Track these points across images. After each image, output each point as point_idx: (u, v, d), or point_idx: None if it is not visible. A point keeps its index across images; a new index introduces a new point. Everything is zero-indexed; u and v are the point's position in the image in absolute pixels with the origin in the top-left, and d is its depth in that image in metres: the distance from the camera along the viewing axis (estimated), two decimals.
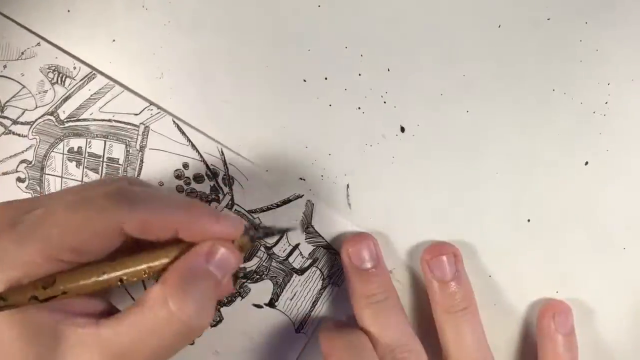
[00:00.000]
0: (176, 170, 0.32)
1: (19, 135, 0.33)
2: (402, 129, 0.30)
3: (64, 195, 0.27)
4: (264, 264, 0.33)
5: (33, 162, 0.33)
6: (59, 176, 0.33)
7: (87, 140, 0.33)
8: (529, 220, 0.30)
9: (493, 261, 0.31)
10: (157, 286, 0.25)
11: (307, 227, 0.32)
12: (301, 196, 0.32)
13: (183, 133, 0.31)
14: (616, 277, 0.30)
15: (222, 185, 0.32)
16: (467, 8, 0.28)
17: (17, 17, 0.31)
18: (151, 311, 0.24)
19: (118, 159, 0.33)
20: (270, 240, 0.33)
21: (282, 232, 0.31)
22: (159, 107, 0.31)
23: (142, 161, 0.33)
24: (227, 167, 0.32)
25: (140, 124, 0.32)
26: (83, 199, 0.25)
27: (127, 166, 0.33)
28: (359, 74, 0.30)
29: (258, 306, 0.34)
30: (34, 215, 0.24)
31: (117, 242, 0.25)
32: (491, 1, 0.28)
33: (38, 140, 0.33)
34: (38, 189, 0.33)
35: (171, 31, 0.31)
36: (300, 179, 0.32)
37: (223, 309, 0.34)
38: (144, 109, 0.32)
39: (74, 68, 0.32)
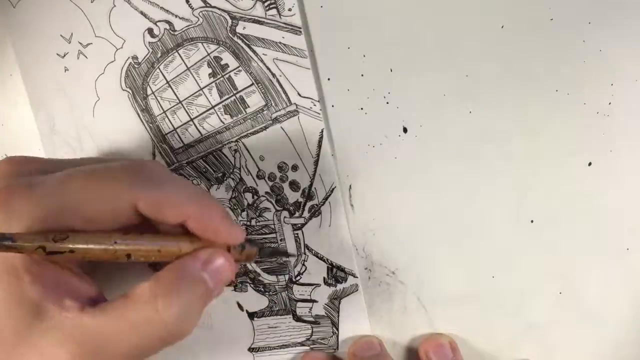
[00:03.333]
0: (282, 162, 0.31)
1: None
2: (405, 130, 0.30)
3: (86, 162, 0.27)
4: (277, 286, 0.33)
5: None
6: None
7: (238, 67, 0.31)
8: (532, 221, 0.30)
9: (496, 262, 0.31)
10: (149, 282, 0.24)
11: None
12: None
13: (319, 146, 0.31)
14: (619, 277, 0.30)
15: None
16: (470, 9, 0.28)
17: None
18: (136, 306, 0.23)
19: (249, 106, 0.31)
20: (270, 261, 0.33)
21: (283, 255, 0.32)
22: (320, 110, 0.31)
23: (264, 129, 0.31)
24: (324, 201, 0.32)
25: (294, 103, 0.30)
26: (103, 169, 0.25)
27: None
28: (362, 75, 0.30)
29: (239, 307, 0.34)
30: (53, 179, 0.24)
31: (129, 219, 0.25)
32: (494, 2, 0.28)
33: (199, 22, 0.31)
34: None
35: None
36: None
37: None
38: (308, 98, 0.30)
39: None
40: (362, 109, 0.30)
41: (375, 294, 0.32)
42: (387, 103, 0.30)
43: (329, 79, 0.30)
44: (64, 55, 0.33)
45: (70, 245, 0.23)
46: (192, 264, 0.26)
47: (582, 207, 0.29)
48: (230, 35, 0.30)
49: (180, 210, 0.25)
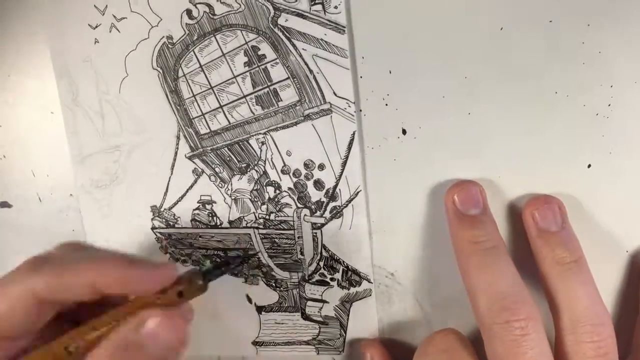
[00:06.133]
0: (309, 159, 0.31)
1: None
2: (404, 132, 0.30)
3: None
4: (289, 283, 0.33)
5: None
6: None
7: (276, 59, 0.30)
8: None
9: None
10: None
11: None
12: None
13: (349, 147, 0.30)
14: (619, 280, 0.30)
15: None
16: (469, 10, 0.28)
17: None
18: None
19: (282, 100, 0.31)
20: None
21: (224, 265, 0.29)
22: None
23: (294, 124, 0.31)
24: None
25: (329, 102, 0.30)
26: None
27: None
28: (360, 76, 0.30)
29: (248, 299, 0.34)
30: None
31: (44, 311, 0.25)
32: (493, 3, 0.28)
33: (240, 9, 0.30)
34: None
35: None
36: None
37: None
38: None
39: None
40: (361, 110, 0.30)
41: (374, 296, 0.32)
42: (386, 105, 0.30)
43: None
44: (96, 27, 0.32)
45: None
46: (127, 332, 0.25)
47: (582, 208, 0.29)
48: (271, 26, 0.30)
49: (77, 283, 0.25)
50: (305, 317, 0.33)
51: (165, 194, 0.33)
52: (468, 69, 0.28)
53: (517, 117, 0.29)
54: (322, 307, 0.33)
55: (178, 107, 0.32)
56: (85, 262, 0.26)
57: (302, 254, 0.32)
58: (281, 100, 0.30)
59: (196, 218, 0.33)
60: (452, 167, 0.30)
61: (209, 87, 0.31)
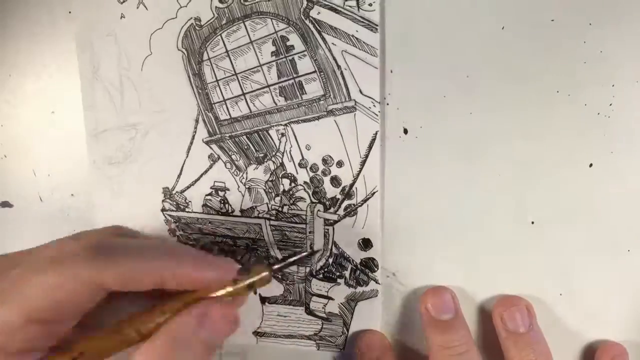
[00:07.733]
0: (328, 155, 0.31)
1: None
2: (405, 131, 0.30)
3: (42, 252, 0.27)
4: (295, 277, 0.32)
5: None
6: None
7: (304, 51, 0.30)
8: (532, 222, 0.30)
9: (496, 263, 0.31)
10: (142, 356, 0.24)
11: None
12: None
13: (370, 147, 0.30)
14: (620, 279, 0.30)
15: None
16: (470, 9, 0.28)
17: None
18: None
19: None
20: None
21: (291, 263, 0.29)
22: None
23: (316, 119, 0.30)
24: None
25: (354, 99, 0.30)
26: (58, 257, 0.24)
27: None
28: None
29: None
30: (10, 276, 0.24)
31: (99, 296, 0.25)
32: (495, 2, 0.27)
33: None
34: None
35: None
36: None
37: None
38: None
39: None
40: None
41: (381, 297, 0.32)
42: (388, 104, 0.30)
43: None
44: (123, 2, 0.32)
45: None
46: (185, 324, 0.25)
47: (583, 208, 0.29)
48: (303, 18, 0.29)
49: (146, 277, 0.25)
50: (309, 312, 0.33)
51: (179, 176, 0.33)
52: (470, 68, 0.28)
53: (519, 116, 0.29)
54: (326, 304, 0.33)
55: (200, 91, 0.32)
56: (156, 257, 0.25)
57: (311, 249, 0.32)
58: (305, 93, 0.30)
59: (208, 204, 0.33)
60: (454, 167, 0.30)
61: (233, 73, 0.31)
